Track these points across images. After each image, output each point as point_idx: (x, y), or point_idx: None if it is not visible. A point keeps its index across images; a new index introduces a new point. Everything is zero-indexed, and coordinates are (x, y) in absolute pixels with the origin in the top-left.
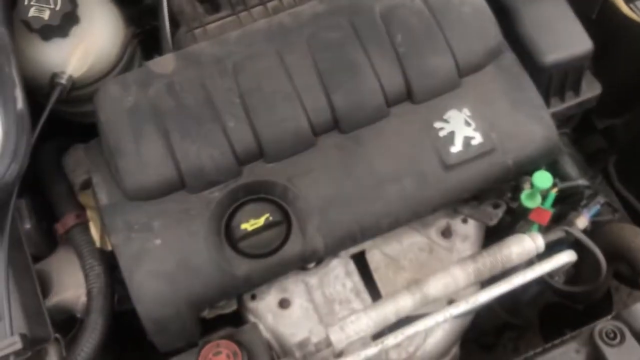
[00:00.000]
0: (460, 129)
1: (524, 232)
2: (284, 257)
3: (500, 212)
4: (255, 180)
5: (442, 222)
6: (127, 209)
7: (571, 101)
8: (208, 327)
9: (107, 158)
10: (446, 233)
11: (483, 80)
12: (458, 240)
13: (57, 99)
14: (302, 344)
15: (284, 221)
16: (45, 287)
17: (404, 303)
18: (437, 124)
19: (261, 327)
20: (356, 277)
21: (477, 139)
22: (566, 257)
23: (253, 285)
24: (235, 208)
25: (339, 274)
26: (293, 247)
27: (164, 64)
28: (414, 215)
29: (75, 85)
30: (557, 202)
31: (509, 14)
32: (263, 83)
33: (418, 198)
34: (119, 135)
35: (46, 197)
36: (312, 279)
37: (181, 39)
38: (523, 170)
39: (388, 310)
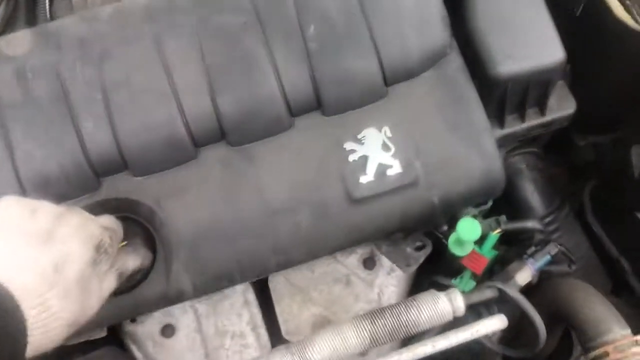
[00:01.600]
0: (375, 153)
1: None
2: (141, 297)
3: (421, 257)
4: (115, 198)
5: (365, 249)
6: None
7: (533, 121)
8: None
9: None
10: (369, 263)
11: (415, 91)
12: (382, 273)
13: None
14: None
15: (149, 253)
16: None
17: None
18: (348, 145)
19: (139, 356)
20: (254, 309)
21: (395, 168)
22: (494, 323)
23: (102, 324)
24: None
25: (235, 303)
26: (153, 285)
27: (18, 43)
28: (309, 256)
29: None
30: (504, 240)
31: (461, 4)
32: (133, 76)
33: (315, 235)
34: None
35: None
36: (203, 305)
37: (58, 7)
38: (453, 210)
39: None
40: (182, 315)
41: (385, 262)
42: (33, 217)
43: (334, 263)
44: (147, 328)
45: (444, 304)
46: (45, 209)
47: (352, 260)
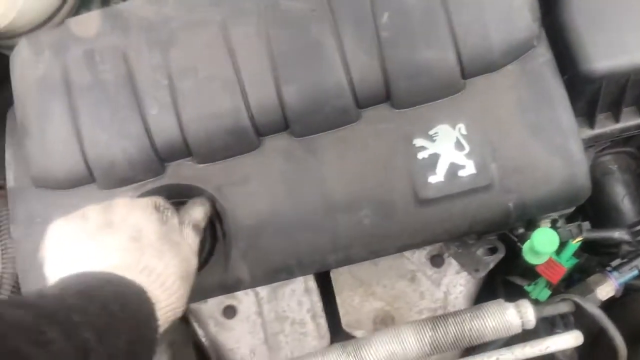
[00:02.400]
0: (447, 152)
1: None
2: (199, 282)
3: (492, 263)
4: (178, 184)
5: (434, 246)
6: (31, 197)
7: (630, 121)
8: None
9: (19, 133)
10: (436, 260)
11: (496, 85)
12: (450, 272)
13: None
14: None
15: (209, 238)
16: None
17: None
18: (418, 141)
19: (200, 333)
20: (315, 297)
21: (469, 169)
22: (568, 341)
23: None
24: None
25: (297, 290)
26: (212, 272)
27: (87, 24)
28: (370, 255)
29: (2, 35)
30: (587, 246)
31: None
32: (199, 63)
33: (377, 234)
34: (26, 109)
35: None
36: (264, 289)
37: None
38: (529, 216)
39: None
40: (244, 297)
41: (454, 260)
42: (85, 221)
43: (399, 258)
44: (209, 307)
45: (512, 316)
46: (90, 209)
47: (420, 256)
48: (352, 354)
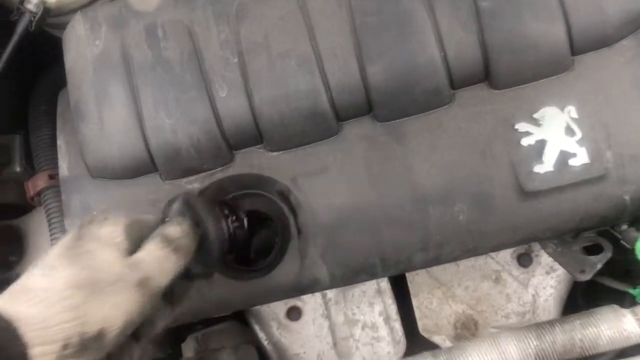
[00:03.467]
0: (555, 138)
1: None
2: (271, 283)
3: (599, 263)
4: (249, 174)
5: None
6: (87, 188)
7: None
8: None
9: (73, 117)
10: (524, 259)
11: (610, 63)
12: (539, 272)
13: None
14: None
15: (281, 234)
16: (20, 246)
17: None
18: (522, 126)
19: (262, 336)
20: (389, 299)
21: (581, 157)
22: None
23: (229, 309)
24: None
25: (367, 291)
26: (285, 272)
27: None
28: (464, 253)
29: (53, 12)
30: None
31: None
32: (273, 38)
33: (474, 231)
34: (81, 91)
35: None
36: (332, 291)
37: None
38: None
39: None
40: (309, 298)
41: (544, 259)
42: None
43: (482, 257)
44: (272, 308)
45: (631, 324)
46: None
47: (505, 254)
48: None
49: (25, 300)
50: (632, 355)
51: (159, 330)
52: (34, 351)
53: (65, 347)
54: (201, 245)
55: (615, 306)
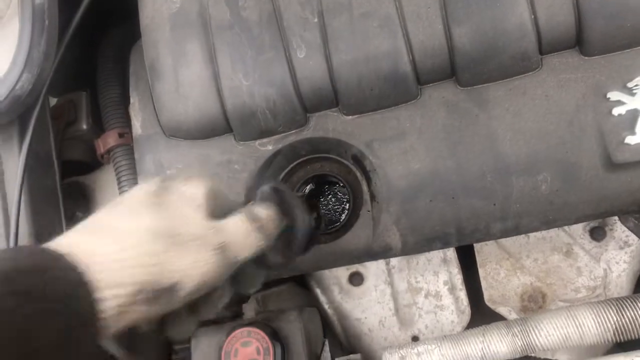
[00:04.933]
0: None
1: None
2: (342, 248)
3: None
4: (323, 137)
5: None
6: (161, 147)
7: None
8: None
9: (148, 75)
10: (597, 232)
11: None
12: (612, 246)
13: None
14: None
15: (353, 199)
16: (87, 202)
17: (497, 347)
18: (614, 95)
19: (323, 300)
20: (454, 269)
21: None
22: None
23: (300, 271)
24: (292, 169)
25: (433, 259)
26: (357, 237)
27: None
28: (544, 225)
29: None
30: None
31: None
32: None
33: (557, 202)
34: (157, 49)
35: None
36: (397, 257)
37: None
38: None
39: (471, 352)
40: (372, 264)
41: (618, 233)
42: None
43: (554, 229)
44: (334, 273)
45: None
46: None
47: (577, 227)
48: (519, 336)
49: (101, 237)
50: None
51: (215, 311)
52: (106, 293)
53: (138, 292)
54: (284, 235)
55: None
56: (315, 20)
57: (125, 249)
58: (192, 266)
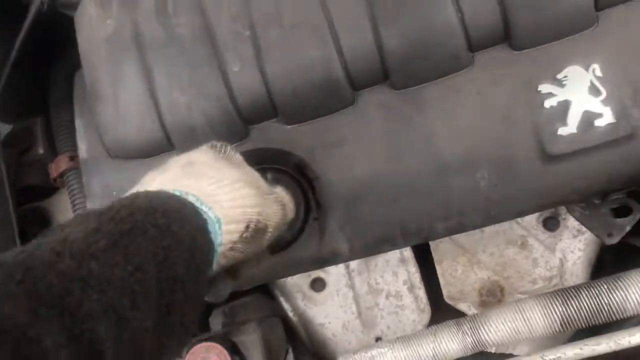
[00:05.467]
0: (580, 98)
1: None
2: (291, 257)
3: (628, 225)
4: (265, 148)
5: None
6: (107, 169)
7: None
8: None
9: (89, 99)
10: (550, 223)
11: (636, 16)
12: (566, 235)
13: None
14: None
15: (300, 208)
16: (47, 227)
17: (448, 346)
18: (544, 87)
19: (287, 308)
20: (412, 267)
21: (606, 117)
22: None
23: (253, 283)
24: None
25: (391, 260)
26: (306, 245)
27: None
28: (487, 221)
29: None
30: None
31: None
32: (284, 8)
33: (497, 198)
34: (96, 72)
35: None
36: (356, 261)
37: None
38: None
39: (423, 352)
40: (333, 269)
41: (571, 222)
42: (140, 184)
43: (508, 222)
44: (296, 280)
45: None
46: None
47: (531, 219)
48: (469, 333)
49: (210, 183)
50: None
51: (249, 276)
52: (225, 228)
53: (245, 229)
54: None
55: None
56: (247, 33)
57: (232, 192)
58: (274, 214)
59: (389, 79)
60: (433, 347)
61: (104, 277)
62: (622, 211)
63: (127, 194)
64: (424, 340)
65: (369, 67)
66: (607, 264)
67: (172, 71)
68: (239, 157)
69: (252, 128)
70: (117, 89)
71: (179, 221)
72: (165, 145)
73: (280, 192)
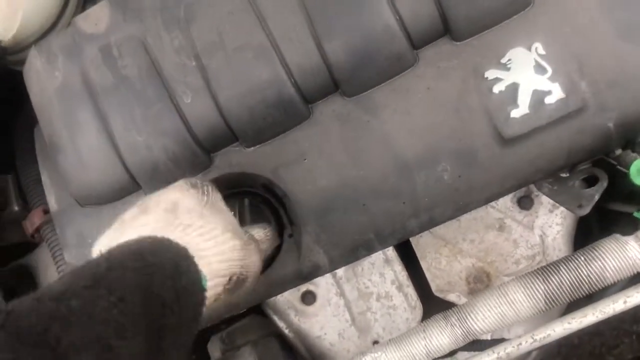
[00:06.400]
0: (526, 79)
1: None
2: (272, 277)
3: (596, 194)
4: (229, 174)
5: None
6: (78, 218)
7: None
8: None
9: (50, 151)
10: (525, 202)
11: None
12: (542, 212)
13: None
14: None
15: (276, 227)
16: (34, 283)
17: (439, 340)
18: (491, 73)
19: (282, 325)
20: (398, 266)
21: (556, 93)
22: None
23: (239, 308)
24: None
25: (376, 262)
26: (285, 264)
27: (97, 18)
28: (457, 211)
29: (10, 49)
30: None
31: None
32: (226, 34)
33: (462, 188)
34: (52, 125)
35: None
36: (342, 268)
37: None
38: (633, 132)
39: (416, 351)
40: (321, 280)
41: (545, 197)
42: (121, 222)
43: (483, 207)
44: (286, 296)
45: (636, 250)
46: (126, 212)
47: (505, 201)
48: (457, 325)
49: (199, 235)
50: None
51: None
52: (210, 283)
53: (228, 281)
54: None
55: (618, 235)
56: (194, 64)
57: (219, 245)
58: (254, 264)
59: (340, 88)
60: (425, 344)
61: (85, 311)
62: (591, 181)
63: (105, 241)
64: (415, 338)
65: (318, 80)
66: (594, 232)
67: (126, 112)
68: (220, 200)
69: (215, 155)
70: (75, 139)
71: (158, 252)
72: (132, 186)
73: (258, 233)
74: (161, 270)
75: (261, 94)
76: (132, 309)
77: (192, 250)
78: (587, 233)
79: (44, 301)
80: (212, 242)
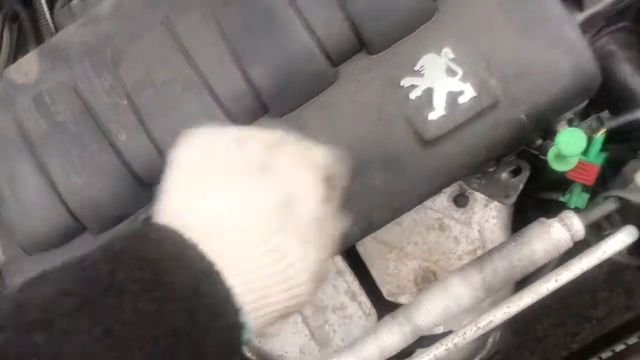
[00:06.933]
0: (440, 82)
1: None
2: None
3: (521, 183)
4: None
5: (454, 186)
6: (27, 266)
7: None
8: None
9: None
10: (460, 200)
11: None
12: (478, 208)
13: None
14: None
15: None
16: None
17: (390, 340)
18: (406, 81)
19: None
20: (349, 277)
21: (468, 92)
22: (622, 240)
23: None
24: None
25: (328, 275)
26: None
27: (27, 68)
28: (393, 215)
29: None
30: (612, 138)
31: None
32: (153, 70)
33: (394, 192)
34: None
35: None
36: None
37: (59, 18)
38: (546, 122)
39: (370, 354)
40: None
41: (479, 194)
42: (242, 151)
43: (422, 210)
44: None
45: (559, 231)
46: (253, 136)
47: (442, 201)
48: (405, 323)
49: (229, 237)
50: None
51: None
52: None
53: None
54: None
55: (543, 219)
56: (125, 102)
57: (261, 267)
58: (316, 290)
59: (269, 111)
60: (377, 345)
61: (53, 351)
62: (517, 172)
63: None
64: (368, 341)
65: (247, 104)
66: (530, 222)
67: (64, 157)
68: (335, 204)
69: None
70: (15, 189)
71: (172, 269)
72: (78, 229)
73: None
74: (174, 292)
75: (193, 124)
76: (124, 342)
77: (222, 263)
78: (525, 224)
79: (5, 331)
80: (251, 265)
